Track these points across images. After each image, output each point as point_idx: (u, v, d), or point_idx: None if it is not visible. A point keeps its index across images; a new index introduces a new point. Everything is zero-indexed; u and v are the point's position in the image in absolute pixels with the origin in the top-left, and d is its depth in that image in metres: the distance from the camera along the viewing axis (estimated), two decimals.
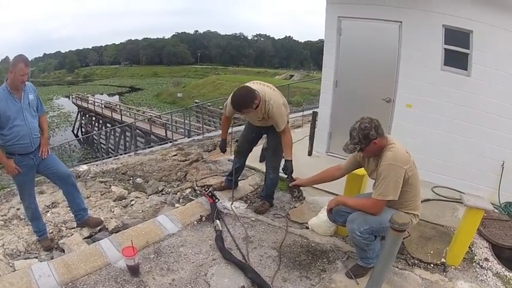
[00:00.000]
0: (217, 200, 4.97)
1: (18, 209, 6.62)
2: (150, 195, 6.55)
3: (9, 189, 9.52)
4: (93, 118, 40.98)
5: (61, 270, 3.68)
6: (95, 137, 36.88)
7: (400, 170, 3.29)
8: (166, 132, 24.55)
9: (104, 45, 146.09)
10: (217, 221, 4.69)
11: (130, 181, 7.67)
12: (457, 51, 5.45)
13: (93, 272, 3.73)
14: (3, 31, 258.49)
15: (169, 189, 6.56)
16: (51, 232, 5.14)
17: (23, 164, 4.35)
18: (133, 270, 3.69)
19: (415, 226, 4.51)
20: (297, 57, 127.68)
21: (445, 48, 5.52)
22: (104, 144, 34.26)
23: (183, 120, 19.89)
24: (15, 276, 3.54)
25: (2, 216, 6.35)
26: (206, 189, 5.16)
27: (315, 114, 7.12)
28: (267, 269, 3.88)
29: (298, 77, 67.93)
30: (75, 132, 43.66)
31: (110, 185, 7.41)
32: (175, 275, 3.74)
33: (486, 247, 4.36)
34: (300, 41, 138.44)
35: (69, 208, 5.22)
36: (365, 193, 4.06)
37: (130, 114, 35.12)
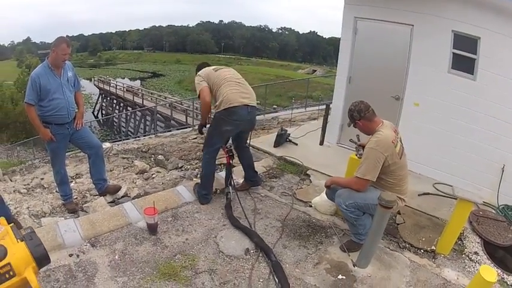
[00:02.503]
0: (233, 158, 5.12)
1: (42, 179, 7.10)
2: (170, 170, 6.93)
3: (30, 163, 10.05)
4: (114, 101, 41.39)
5: (85, 227, 4.10)
6: (115, 119, 37.32)
7: (379, 154, 3.71)
8: (186, 118, 24.83)
9: (127, 30, 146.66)
10: (230, 187, 5.05)
11: (152, 158, 8.06)
12: (464, 55, 5.60)
13: (115, 230, 4.17)
14: (24, 13, 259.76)
15: (188, 166, 6.95)
16: (76, 198, 5.58)
17: (58, 133, 4.78)
18: (152, 229, 4.14)
19: (410, 215, 4.90)
20: (320, 52, 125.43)
21: (453, 53, 5.67)
22: (124, 127, 34.73)
23: None
24: (41, 231, 3.88)
25: (25, 185, 6.83)
26: (227, 146, 5.13)
27: (328, 108, 7.47)
28: (270, 236, 4.30)
29: (320, 72, 67.54)
30: (96, 114, 43.97)
31: (132, 161, 7.83)
32: (188, 236, 4.19)
33: (478, 242, 4.54)
34: (324, 36, 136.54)
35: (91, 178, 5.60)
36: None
37: (151, 99, 35.31)
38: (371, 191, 3.86)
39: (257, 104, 4.91)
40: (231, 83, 4.67)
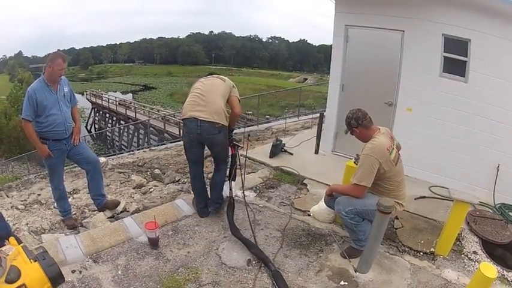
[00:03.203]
0: (240, 147, 5.07)
1: (39, 195, 7.07)
2: (168, 183, 6.94)
3: (26, 178, 10.00)
4: (107, 115, 41.40)
5: (87, 242, 4.10)
6: (108, 133, 37.27)
7: (373, 160, 3.76)
8: (180, 130, 24.80)
9: (118, 43, 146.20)
10: (233, 183, 5.06)
11: (148, 172, 8.04)
12: (455, 58, 5.66)
13: (116, 245, 4.17)
14: (16, 26, 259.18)
15: (185, 180, 6.93)
16: (75, 213, 5.56)
17: (56, 148, 4.78)
18: (154, 243, 4.15)
19: (408, 219, 4.94)
20: (311, 60, 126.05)
21: (444, 56, 5.74)
22: (117, 141, 34.67)
23: None
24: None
25: (22, 201, 6.80)
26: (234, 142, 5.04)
27: (321, 116, 7.52)
28: (271, 246, 4.33)
29: (311, 80, 67.64)
30: (88, 128, 43.85)
31: (129, 175, 7.82)
32: (190, 249, 4.21)
33: (476, 242, 4.59)
34: (314, 44, 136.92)
35: (89, 194, 5.60)
36: None
37: (144, 112, 35.36)
38: (369, 197, 3.92)
39: (219, 123, 4.46)
40: (193, 95, 4.60)
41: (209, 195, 5.07)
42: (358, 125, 3.96)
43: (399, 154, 4.05)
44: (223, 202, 5.14)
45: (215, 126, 4.39)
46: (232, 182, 5.07)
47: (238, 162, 5.08)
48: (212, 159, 5.19)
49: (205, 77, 4.90)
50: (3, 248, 2.13)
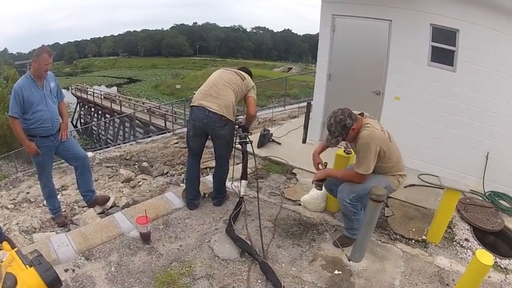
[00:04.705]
0: (249, 142, 4.91)
1: (28, 193, 6.99)
2: (156, 176, 6.92)
3: (14, 177, 9.87)
4: (92, 109, 41.01)
5: (78, 240, 4.06)
6: (94, 127, 36.92)
7: (375, 147, 3.69)
8: (165, 122, 24.74)
9: (102, 36, 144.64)
10: (244, 182, 5.00)
11: (136, 166, 8.01)
12: (443, 48, 5.67)
13: (108, 241, 4.14)
14: (1, 24, 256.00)
15: (174, 172, 6.93)
16: (64, 211, 5.48)
17: (43, 145, 4.70)
18: (146, 238, 4.13)
19: (399, 207, 4.99)
20: (295, 50, 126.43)
21: (432, 46, 5.75)
22: (103, 135, 34.41)
23: (182, 111, 20.08)
24: (34, 247, 3.76)
25: (11, 200, 6.71)
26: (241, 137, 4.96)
27: (309, 105, 7.51)
28: (263, 237, 4.27)
29: (296, 69, 67.68)
30: (74, 123, 43.31)
31: (117, 169, 7.77)
32: (182, 242, 4.19)
33: (467, 229, 4.64)
34: (298, 34, 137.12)
35: (78, 190, 5.55)
36: (348, 167, 4.43)
37: (129, 105, 35.11)
38: (370, 180, 3.86)
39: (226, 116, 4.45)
40: (207, 84, 4.62)
41: (213, 188, 5.15)
42: (352, 121, 3.75)
43: (386, 131, 3.98)
44: (226, 194, 5.19)
45: (222, 119, 4.39)
46: (243, 181, 5.02)
47: (247, 158, 5.06)
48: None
49: (226, 69, 4.89)
50: None
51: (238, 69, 4.98)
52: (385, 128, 3.98)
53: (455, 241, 4.47)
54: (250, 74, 5.04)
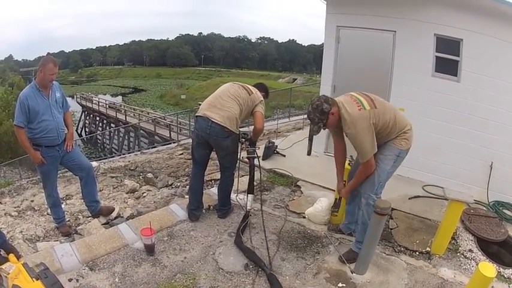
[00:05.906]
0: (257, 157, 4.88)
1: (32, 201, 6.99)
2: (161, 188, 6.90)
3: (18, 184, 9.87)
4: (97, 118, 41.02)
5: (82, 250, 4.05)
6: (98, 136, 36.99)
7: (366, 127, 3.62)
8: (170, 133, 24.70)
9: (107, 45, 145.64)
10: (250, 196, 4.97)
11: (141, 176, 7.99)
12: (447, 58, 5.69)
13: (112, 252, 4.13)
14: (6, 30, 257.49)
15: (178, 183, 6.93)
16: (68, 220, 5.49)
17: (48, 155, 4.71)
18: (150, 249, 4.13)
19: (403, 219, 4.98)
20: (300, 60, 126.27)
21: (436, 56, 5.76)
22: (108, 144, 34.45)
23: (187, 122, 20.10)
24: (38, 256, 3.82)
25: (15, 207, 6.72)
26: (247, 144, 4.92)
27: None
28: (267, 250, 4.26)
29: (301, 80, 67.52)
30: (79, 131, 43.28)
31: (122, 180, 7.77)
32: (186, 254, 4.19)
33: (471, 240, 4.63)
34: (303, 44, 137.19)
35: (82, 200, 5.54)
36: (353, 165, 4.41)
37: (134, 114, 35.17)
38: (380, 160, 3.87)
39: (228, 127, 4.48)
40: (213, 95, 4.69)
41: (218, 199, 5.14)
42: (330, 105, 3.68)
43: (366, 95, 3.88)
44: (231, 207, 5.17)
45: (224, 130, 4.43)
46: (250, 195, 5.01)
47: (253, 172, 5.03)
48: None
49: (235, 83, 4.91)
50: (3, 266, 2.08)
51: (254, 85, 5.05)
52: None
53: (459, 252, 4.45)
54: (266, 91, 5.12)
